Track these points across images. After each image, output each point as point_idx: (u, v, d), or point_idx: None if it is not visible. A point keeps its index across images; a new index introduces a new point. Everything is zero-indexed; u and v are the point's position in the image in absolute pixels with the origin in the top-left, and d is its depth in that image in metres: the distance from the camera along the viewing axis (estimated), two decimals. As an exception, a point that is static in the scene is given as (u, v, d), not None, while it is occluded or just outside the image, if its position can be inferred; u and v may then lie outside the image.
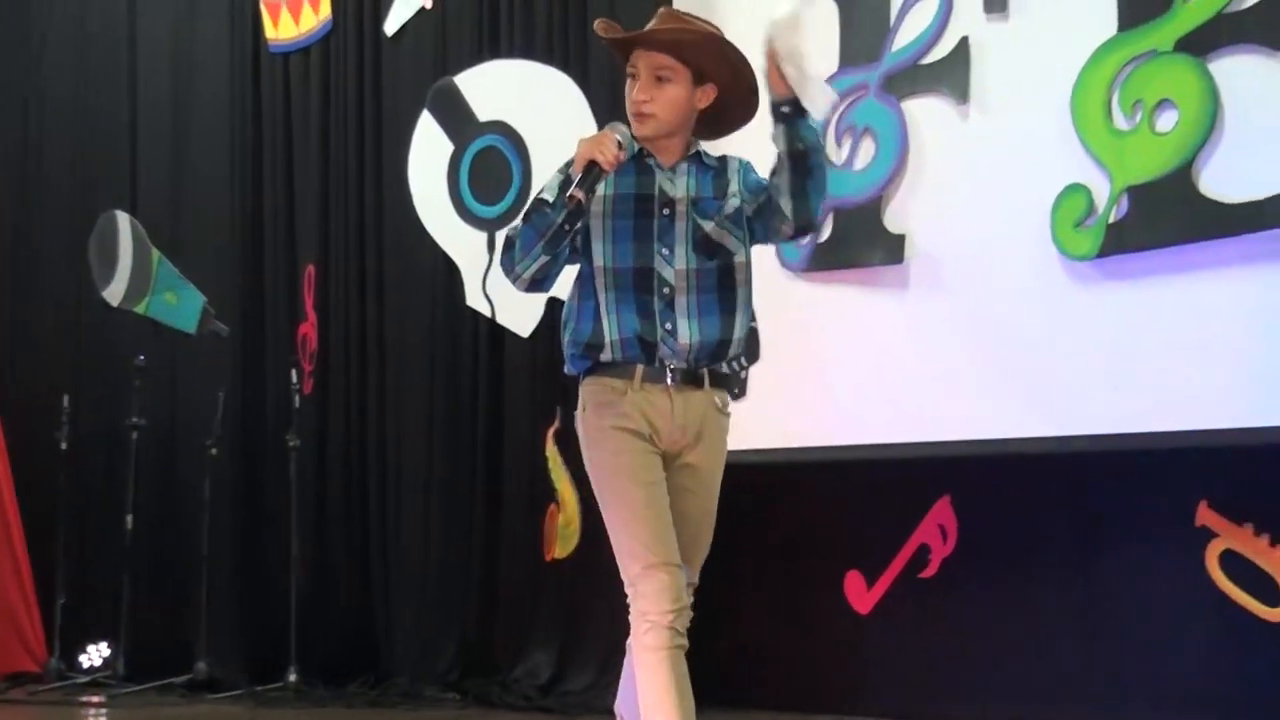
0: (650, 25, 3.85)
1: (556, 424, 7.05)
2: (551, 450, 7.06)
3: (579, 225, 3.77)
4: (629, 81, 3.83)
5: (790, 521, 6.62)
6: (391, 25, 7.84)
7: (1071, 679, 5.78)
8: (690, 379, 3.79)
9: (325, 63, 8.09)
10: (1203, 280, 5.41)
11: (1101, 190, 5.59)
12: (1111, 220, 5.56)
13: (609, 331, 3.81)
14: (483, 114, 7.41)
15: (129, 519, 8.01)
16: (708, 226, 3.80)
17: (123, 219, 8.60)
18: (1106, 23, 5.63)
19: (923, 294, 6.11)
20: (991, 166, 5.92)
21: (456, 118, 7.46)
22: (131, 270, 8.52)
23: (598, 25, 3.91)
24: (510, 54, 7.38)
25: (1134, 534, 5.68)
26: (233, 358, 8.17)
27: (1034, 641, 5.88)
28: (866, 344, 6.25)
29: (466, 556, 7.38)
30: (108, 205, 8.69)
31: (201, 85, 8.51)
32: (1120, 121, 5.57)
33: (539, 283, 3.85)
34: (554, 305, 7.10)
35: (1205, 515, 5.46)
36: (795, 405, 6.47)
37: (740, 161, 3.91)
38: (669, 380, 3.78)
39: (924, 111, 6.13)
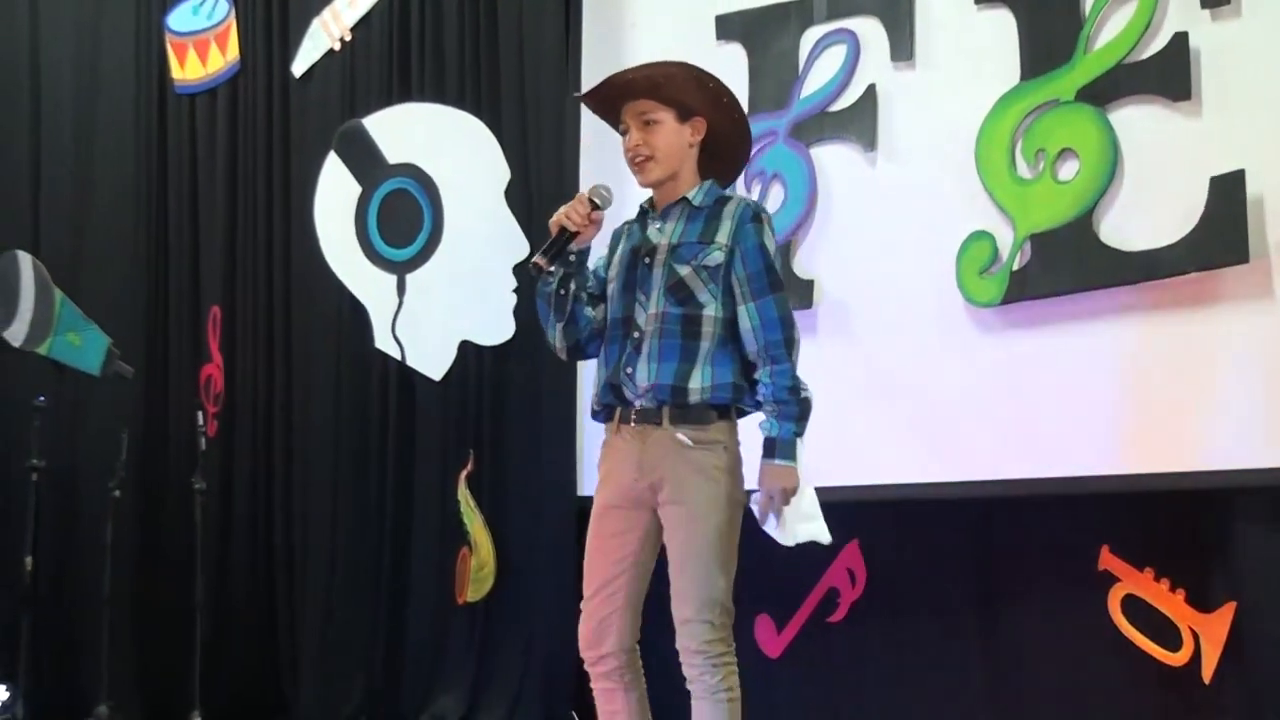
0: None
1: (469, 467, 7.04)
2: (464, 493, 7.04)
3: (574, 288, 3.93)
4: (623, 140, 3.95)
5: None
6: (299, 67, 7.82)
7: (977, 722, 5.83)
8: (649, 418, 3.88)
9: (233, 104, 8.05)
10: (1103, 327, 5.50)
11: (1005, 237, 5.67)
12: (1015, 267, 5.64)
13: (596, 382, 4.00)
14: (392, 156, 7.39)
15: (28, 560, 7.87)
16: (683, 272, 3.87)
17: (24, 259, 8.49)
18: (1010, 72, 5.73)
19: (831, 339, 6.16)
20: (898, 213, 5.98)
21: (365, 160, 7.44)
22: (34, 311, 8.41)
23: (577, 96, 4.04)
24: (420, 97, 7.38)
25: (1038, 579, 5.74)
26: (136, 399, 8.08)
27: (940, 686, 5.92)
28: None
29: (374, 600, 7.34)
30: (9, 245, 8.58)
31: (106, 125, 8.42)
32: (1023, 170, 5.66)
33: (576, 349, 4.05)
34: (466, 348, 7.10)
35: (1107, 560, 5.53)
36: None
37: (743, 208, 3.93)
38: (631, 421, 3.89)
39: (832, 158, 6.19)
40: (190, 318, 8.09)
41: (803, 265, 6.24)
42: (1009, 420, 5.66)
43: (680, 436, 3.89)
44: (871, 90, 6.09)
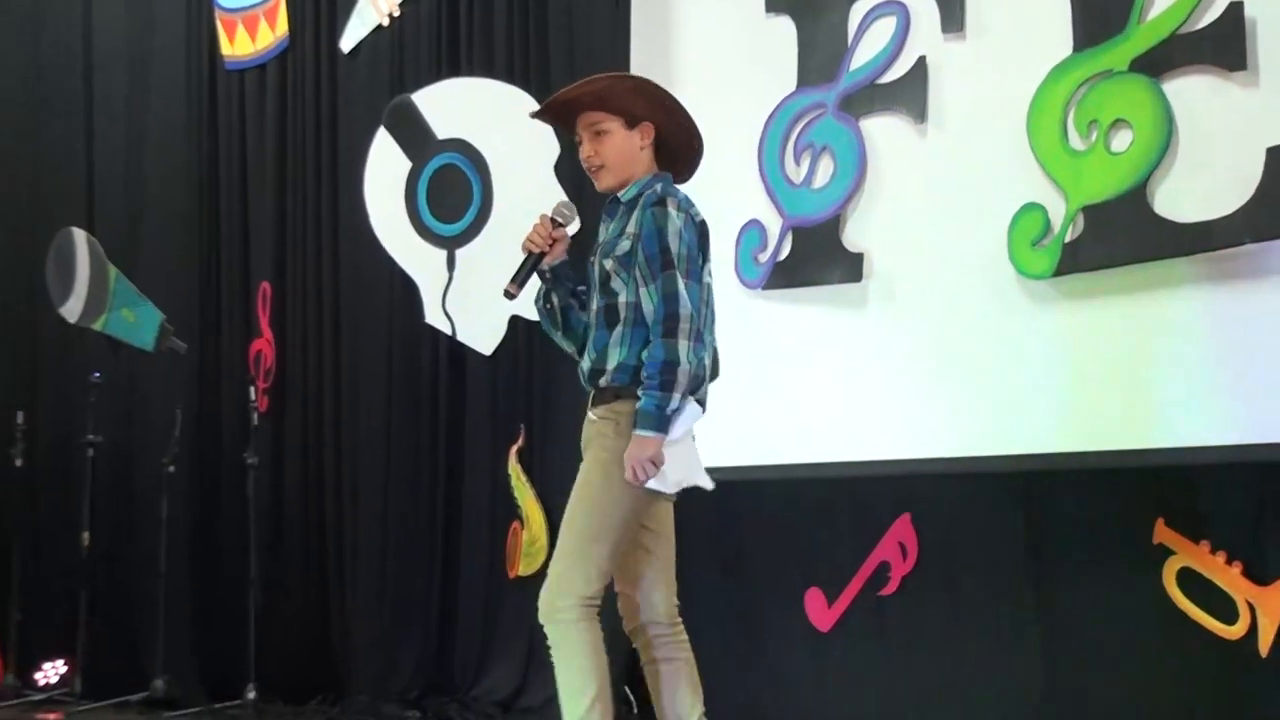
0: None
1: (520, 441, 7.05)
2: (515, 467, 7.06)
3: (557, 301, 4.25)
4: (579, 150, 4.20)
5: (750, 540, 6.63)
6: (348, 42, 7.83)
7: (1030, 697, 5.80)
8: (592, 401, 4.21)
9: (282, 79, 8.08)
10: (1156, 299, 5.45)
11: (1057, 209, 5.63)
12: (1067, 239, 5.60)
13: None
14: (441, 131, 7.40)
15: (85, 536, 7.96)
16: (609, 266, 4.13)
17: (80, 236, 8.56)
18: (1062, 43, 5.67)
19: (881, 312, 6.14)
20: (949, 185, 5.95)
21: (414, 135, 7.46)
22: (89, 287, 8.49)
23: (531, 115, 4.28)
24: (469, 71, 7.38)
25: (1092, 552, 5.71)
26: (190, 375, 8.14)
27: (993, 659, 5.90)
28: (826, 362, 6.28)
29: (426, 573, 7.37)
30: (65, 222, 8.65)
31: (157, 102, 8.48)
32: (1076, 141, 5.61)
33: (583, 350, 4.28)
34: (515, 324, 7.11)
35: (1162, 533, 5.50)
36: (754, 424, 6.48)
37: (648, 196, 4.12)
38: (589, 404, 4.23)
39: (882, 131, 6.16)
40: (241, 293, 8.14)
41: (852, 239, 6.22)
42: (1061, 393, 5.63)
43: (591, 415, 4.18)
44: (922, 62, 6.05)
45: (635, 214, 4.10)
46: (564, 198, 4.35)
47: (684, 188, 4.33)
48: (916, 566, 6.12)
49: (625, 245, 4.08)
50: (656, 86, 4.20)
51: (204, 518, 8.03)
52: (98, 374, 8.07)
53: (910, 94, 6.07)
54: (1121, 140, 5.51)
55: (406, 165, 7.49)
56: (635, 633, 4.27)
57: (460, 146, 7.36)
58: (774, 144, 6.46)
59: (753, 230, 6.51)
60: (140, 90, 8.55)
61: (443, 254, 7.38)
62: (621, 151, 4.15)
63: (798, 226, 6.35)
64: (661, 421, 4.00)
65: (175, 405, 7.87)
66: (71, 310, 8.55)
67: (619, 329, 4.09)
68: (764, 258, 6.47)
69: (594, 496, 4.11)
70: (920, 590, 6.12)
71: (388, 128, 7.52)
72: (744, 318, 6.55)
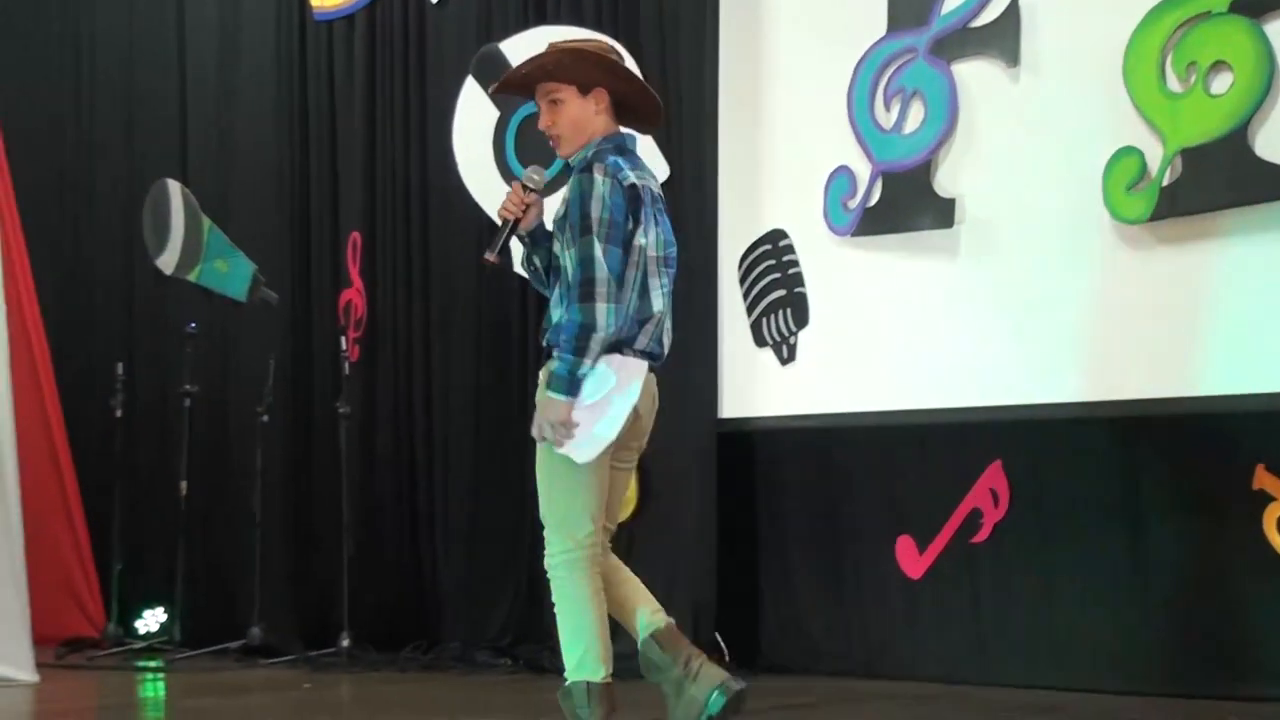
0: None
1: (608, 389, 7.04)
2: (604, 417, 7.05)
3: (539, 263, 4.39)
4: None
5: (841, 487, 6.62)
6: (437, -9, 7.84)
7: (1124, 646, 5.77)
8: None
9: (370, 30, 8.09)
10: (1256, 243, 5.38)
11: (1154, 153, 5.56)
12: (1165, 183, 5.52)
13: None
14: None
15: (183, 485, 8.06)
16: (553, 230, 4.31)
17: (174, 187, 8.64)
18: (1159, -16, 5.59)
19: (973, 258, 6.10)
20: (1042, 130, 5.90)
21: (502, 84, 7.44)
22: (183, 239, 8.57)
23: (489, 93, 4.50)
24: (557, 20, 7.36)
25: (1188, 498, 5.66)
26: (282, 325, 8.20)
27: (1086, 607, 5.87)
28: (916, 309, 6.25)
29: (517, 521, 7.39)
30: (159, 174, 8.73)
31: (247, 53, 8.53)
32: (1173, 84, 5.53)
33: None
34: (603, 271, 7.09)
35: (1262, 478, 5.43)
36: (844, 371, 6.48)
37: (580, 162, 4.25)
38: None
39: (974, 75, 6.11)
40: (331, 244, 8.18)
41: (943, 184, 6.17)
42: (1158, 337, 5.58)
43: (541, 375, 4.30)
44: (1014, 4, 5.98)
45: (571, 179, 4.23)
46: (534, 165, 4.48)
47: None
48: (1008, 513, 6.08)
49: (560, 209, 4.23)
50: (602, 53, 4.34)
51: (297, 467, 8.10)
52: (193, 325, 8.15)
53: (1003, 38, 6.00)
54: (1221, 82, 5.43)
55: (494, 114, 7.48)
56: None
57: (548, 95, 7.33)
58: (864, 89, 6.41)
59: (841, 177, 6.48)
60: (230, 42, 8.60)
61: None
62: (576, 119, 4.29)
63: (888, 172, 6.31)
64: (571, 385, 4.11)
65: (268, 355, 7.94)
66: (167, 262, 8.64)
67: (558, 290, 4.25)
68: (853, 204, 6.44)
69: (548, 456, 4.24)
70: (1012, 537, 6.09)
71: (476, 77, 7.52)
72: (833, 265, 6.54)
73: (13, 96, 8.45)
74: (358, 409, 7.76)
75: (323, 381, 8.03)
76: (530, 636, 7.23)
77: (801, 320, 6.65)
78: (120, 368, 8.31)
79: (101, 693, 6.89)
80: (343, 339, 7.78)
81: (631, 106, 4.40)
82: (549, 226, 4.42)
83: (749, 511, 6.86)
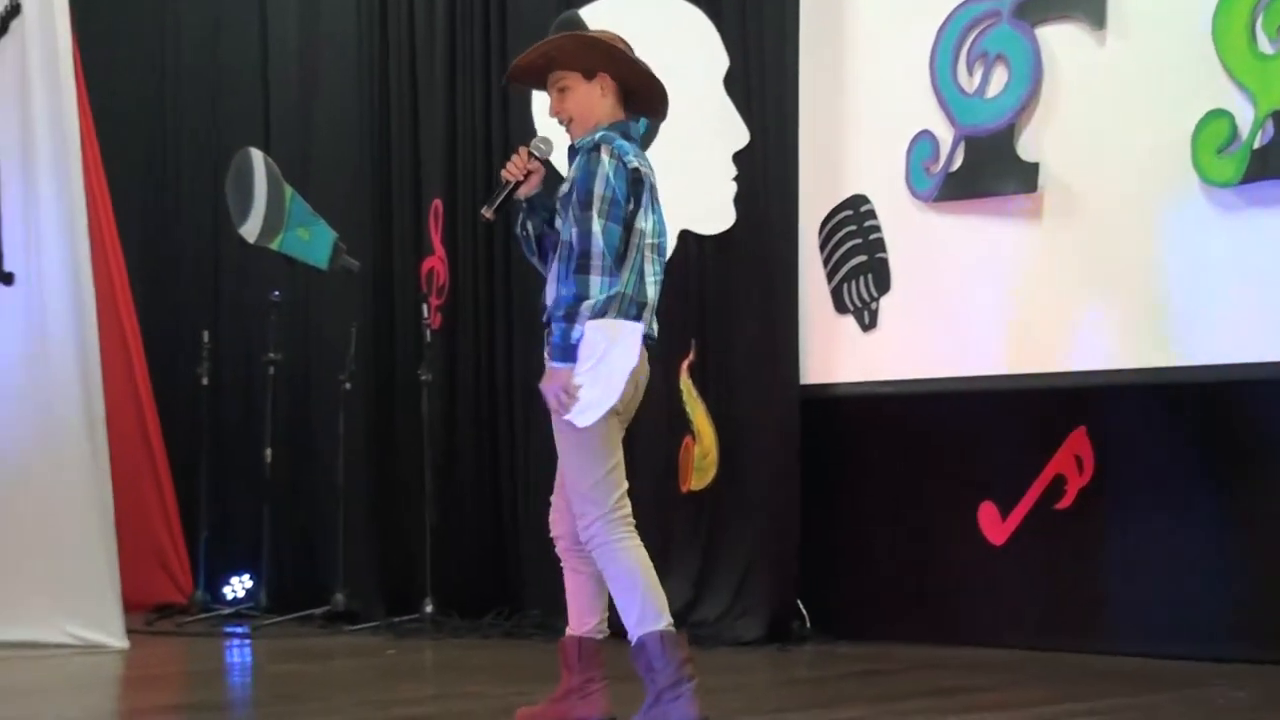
0: None
1: (691, 356, 7.05)
2: (686, 382, 7.07)
3: (531, 229, 4.49)
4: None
5: (923, 453, 6.60)
6: (517, -44, 7.82)
7: (1211, 616, 5.72)
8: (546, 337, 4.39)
9: (452, -5, 8.10)
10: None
11: (1245, 115, 5.49)
12: (1256, 145, 5.45)
13: None
14: (609, 46, 7.37)
15: (268, 453, 8.14)
16: (557, 206, 4.41)
17: (257, 156, 8.70)
18: (1249, -58, 5.51)
19: (1057, 222, 6.05)
20: (1129, 93, 5.84)
21: (584, 50, 7.43)
22: (266, 207, 8.63)
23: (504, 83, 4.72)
24: (636, -17, 7.34)
25: (1278, 464, 5.60)
26: (363, 293, 8.24)
27: (1173, 577, 5.82)
28: (999, 273, 6.21)
29: (599, 488, 7.41)
30: (242, 143, 8.80)
31: (328, 22, 8.55)
32: (1264, 45, 5.46)
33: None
34: (686, 238, 7.10)
35: (1352, 442, 5.37)
36: (926, 336, 6.46)
37: (586, 143, 4.36)
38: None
39: (1058, 38, 6.05)
40: (413, 211, 8.20)
41: (1027, 148, 6.12)
42: (1246, 302, 5.52)
43: (545, 353, 4.39)
44: (1101, -34, 5.92)
45: (577, 159, 4.37)
46: (543, 134, 4.61)
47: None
48: (1094, 479, 6.04)
49: (564, 188, 4.35)
50: (608, 41, 4.48)
51: (380, 434, 8.14)
52: (276, 293, 8.21)
53: (1089, 0, 5.93)
54: (1313, 43, 5.36)
55: (575, 80, 7.47)
56: (559, 539, 4.63)
57: (629, 61, 7.32)
58: (946, 53, 6.36)
59: (924, 141, 6.44)
60: (311, 11, 8.63)
61: (612, 169, 7.36)
62: (583, 104, 4.43)
63: (970, 137, 6.26)
64: (567, 351, 4.24)
65: (350, 323, 7.98)
66: (250, 230, 8.71)
67: (558, 265, 4.35)
68: (935, 169, 6.40)
69: (572, 430, 4.31)
70: (1097, 504, 6.04)
71: (557, 44, 7.51)
72: (915, 230, 6.51)
73: (100, 70, 8.52)
74: (439, 376, 7.80)
75: (405, 349, 8.07)
76: (611, 603, 7.24)
77: (883, 286, 6.62)
78: (206, 336, 8.40)
79: (190, 658, 6.99)
80: (425, 306, 7.81)
81: (638, 94, 4.55)
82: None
83: (830, 478, 6.85)
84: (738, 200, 6.96)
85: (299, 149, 8.66)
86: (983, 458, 6.39)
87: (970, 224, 6.30)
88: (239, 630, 7.66)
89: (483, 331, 7.90)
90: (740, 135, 6.96)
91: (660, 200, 4.54)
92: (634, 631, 4.28)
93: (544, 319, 4.42)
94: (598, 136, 4.36)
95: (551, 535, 4.67)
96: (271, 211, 8.61)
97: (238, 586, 8.38)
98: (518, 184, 4.42)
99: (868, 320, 6.68)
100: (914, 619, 6.56)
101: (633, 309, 4.29)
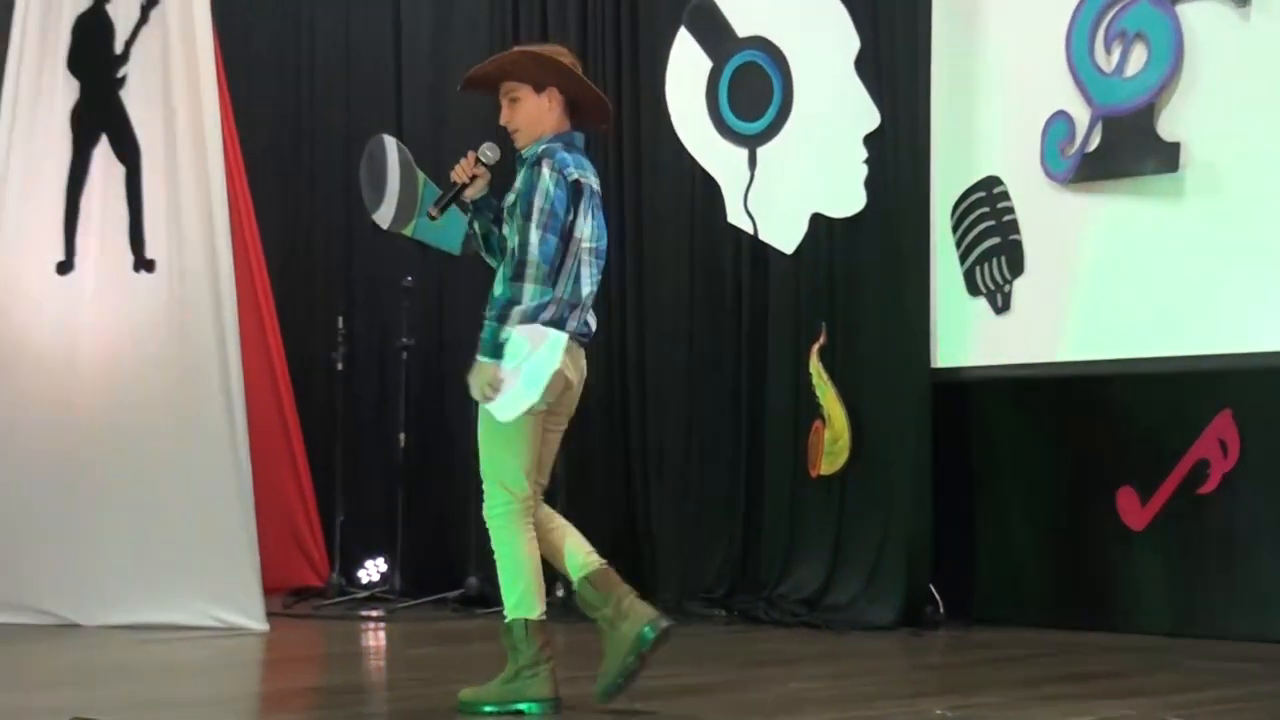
0: None
1: (822, 340, 7.02)
2: (816, 366, 7.04)
3: (478, 228, 4.80)
4: None
5: (1058, 436, 6.54)
6: (649, -60, 7.82)
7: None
8: None
9: (582, -19, 8.11)
10: None
11: (1395, 92, 5.37)
12: (1407, 123, 5.34)
13: None
14: (742, 30, 7.36)
15: (402, 437, 8.21)
16: (504, 214, 4.70)
17: (390, 143, 8.73)
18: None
19: (1199, 203, 5.96)
20: (1274, 70, 5.72)
21: (715, 34, 7.43)
22: (399, 193, 8.68)
23: (458, 90, 5.07)
24: (767, -31, 7.31)
25: None
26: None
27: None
28: (1139, 255, 6.14)
29: (729, 473, 7.42)
30: (375, 130, 8.87)
31: (460, 9, 8.61)
32: None
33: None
34: (817, 221, 7.07)
35: None
36: (1062, 318, 6.40)
37: (531, 156, 4.64)
38: None
39: (1200, 16, 5.96)
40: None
41: (1167, 128, 6.03)
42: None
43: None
44: (1244, -58, 5.82)
45: (521, 170, 4.66)
46: (490, 142, 4.86)
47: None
48: (1239, 464, 5.94)
49: (510, 197, 4.64)
50: (559, 58, 4.76)
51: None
52: (409, 278, 8.28)
53: (1233, -23, 5.85)
54: None
55: (707, 64, 7.47)
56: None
57: (761, 44, 7.30)
58: (1083, 32, 6.29)
59: (1059, 122, 6.38)
60: (444, 2, 8.69)
61: (744, 152, 7.36)
62: (531, 115, 4.70)
63: (1108, 117, 6.18)
64: (495, 349, 4.56)
65: (481, 309, 8.01)
66: (384, 216, 8.75)
67: (503, 268, 4.66)
68: (1071, 150, 6.34)
69: (494, 423, 4.62)
70: (1242, 488, 5.94)
71: (688, 27, 7.51)
72: (1050, 211, 6.44)
73: (237, 60, 8.63)
74: (570, 360, 7.81)
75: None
76: (745, 587, 7.26)
77: (1017, 268, 6.56)
78: (340, 322, 8.49)
79: (328, 641, 7.07)
80: (555, 291, 7.82)
81: (583, 108, 4.82)
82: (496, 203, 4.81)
83: (963, 462, 6.81)
84: (868, 183, 6.92)
85: (431, 138, 8.72)
86: (1122, 442, 6.31)
87: (1108, 205, 6.23)
88: (374, 613, 7.74)
89: (614, 313, 7.91)
90: (871, 117, 6.92)
91: (601, 206, 4.77)
92: (510, 613, 4.62)
93: (491, 313, 4.69)
94: (540, 150, 4.66)
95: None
96: (404, 198, 8.65)
97: (372, 570, 8.46)
98: (464, 186, 4.71)
99: (1001, 303, 6.62)
100: (1050, 605, 6.51)
101: (565, 311, 4.60)
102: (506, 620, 4.66)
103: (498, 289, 4.63)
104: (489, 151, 4.75)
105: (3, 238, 7.35)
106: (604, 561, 4.74)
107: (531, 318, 4.55)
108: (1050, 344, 6.45)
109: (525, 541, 4.67)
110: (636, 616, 4.56)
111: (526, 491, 4.66)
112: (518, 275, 4.55)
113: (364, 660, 6.63)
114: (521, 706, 4.58)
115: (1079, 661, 5.63)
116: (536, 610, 4.62)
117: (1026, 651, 5.90)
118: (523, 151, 4.73)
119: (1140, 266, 6.13)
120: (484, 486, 4.69)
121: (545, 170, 4.59)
